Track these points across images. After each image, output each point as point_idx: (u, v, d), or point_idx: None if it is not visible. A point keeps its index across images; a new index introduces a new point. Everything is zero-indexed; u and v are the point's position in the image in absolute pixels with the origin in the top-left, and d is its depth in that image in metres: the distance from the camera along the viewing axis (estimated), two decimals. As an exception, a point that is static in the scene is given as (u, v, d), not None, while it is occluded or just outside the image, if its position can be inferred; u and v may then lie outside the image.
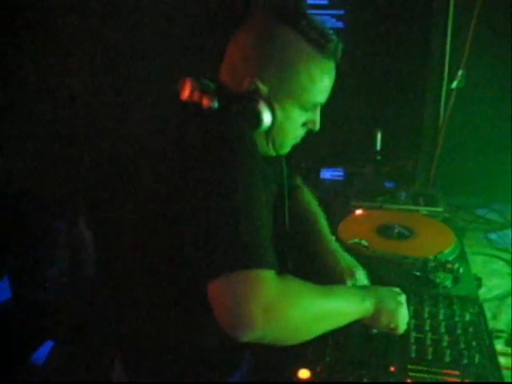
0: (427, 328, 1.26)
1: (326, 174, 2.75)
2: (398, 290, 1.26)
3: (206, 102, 1.09)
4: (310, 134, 1.27)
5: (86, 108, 2.67)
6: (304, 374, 1.10)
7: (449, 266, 1.47)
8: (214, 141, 1.00)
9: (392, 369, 1.13)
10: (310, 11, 2.61)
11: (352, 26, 2.58)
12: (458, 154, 2.31)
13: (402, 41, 2.41)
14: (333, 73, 1.19)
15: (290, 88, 1.13)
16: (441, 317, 1.31)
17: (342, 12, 2.60)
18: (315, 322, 1.04)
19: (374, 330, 1.21)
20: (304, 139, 1.27)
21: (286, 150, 1.26)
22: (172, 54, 2.51)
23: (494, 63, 2.10)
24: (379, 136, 2.31)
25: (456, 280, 1.46)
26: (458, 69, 2.07)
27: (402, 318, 1.20)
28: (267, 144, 1.20)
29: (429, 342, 1.21)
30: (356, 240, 1.58)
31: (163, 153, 1.09)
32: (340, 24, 2.60)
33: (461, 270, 1.47)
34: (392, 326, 1.19)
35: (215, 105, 1.10)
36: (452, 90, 2.10)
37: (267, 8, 1.16)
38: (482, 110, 2.21)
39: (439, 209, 2.00)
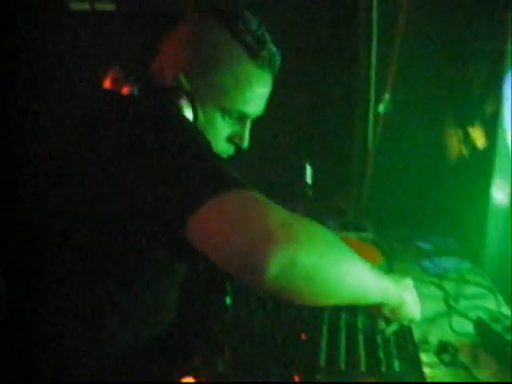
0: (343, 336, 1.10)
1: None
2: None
3: (125, 90, 1.02)
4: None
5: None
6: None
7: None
8: (147, 120, 0.91)
9: (296, 378, 0.94)
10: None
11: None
12: (388, 184, 2.22)
13: (328, 71, 2.36)
14: (265, 84, 1.11)
15: (213, 89, 1.06)
16: (359, 326, 1.14)
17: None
18: (335, 272, 0.83)
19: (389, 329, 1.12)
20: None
21: None
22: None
23: (420, 88, 2.06)
24: (309, 169, 2.21)
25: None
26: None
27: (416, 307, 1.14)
28: None
29: (343, 350, 1.04)
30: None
31: (90, 142, 0.94)
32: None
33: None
34: (410, 317, 1.11)
35: (135, 93, 1.02)
36: (379, 115, 2.02)
37: (206, 7, 1.12)
38: (410, 137, 2.14)
39: (368, 234, 1.87)
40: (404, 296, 1.06)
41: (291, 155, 2.40)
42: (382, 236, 2.00)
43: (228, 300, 1.23)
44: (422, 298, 1.58)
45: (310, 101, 2.32)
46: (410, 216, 2.19)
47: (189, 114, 1.04)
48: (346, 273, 0.85)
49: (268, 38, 1.09)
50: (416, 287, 1.51)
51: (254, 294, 1.26)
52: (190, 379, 0.90)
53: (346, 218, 2.14)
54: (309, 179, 2.18)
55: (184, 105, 1.03)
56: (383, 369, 0.97)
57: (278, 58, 1.11)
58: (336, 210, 2.33)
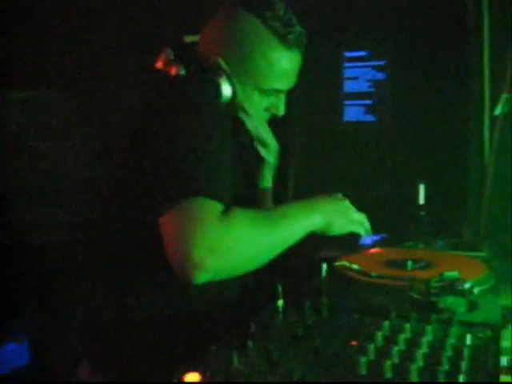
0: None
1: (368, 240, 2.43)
2: (339, 196, 1.28)
3: (173, 70, 1.18)
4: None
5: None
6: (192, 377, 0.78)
7: (458, 285, 1.10)
8: (176, 93, 1.11)
9: None
10: (350, 63, 2.48)
11: (393, 76, 2.42)
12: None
13: (441, 87, 2.19)
14: (294, 62, 1.25)
15: (249, 71, 1.21)
16: (427, 336, 0.93)
17: (382, 63, 2.45)
18: (266, 250, 1.07)
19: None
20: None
21: None
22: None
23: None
24: (423, 189, 2.00)
25: (471, 306, 1.07)
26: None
27: (357, 220, 1.27)
28: None
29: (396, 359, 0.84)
30: (344, 262, 1.25)
31: (134, 114, 1.20)
32: (381, 75, 2.44)
33: (475, 292, 1.09)
34: (349, 230, 1.24)
35: (182, 73, 1.18)
36: (496, 117, 1.77)
37: None
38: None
39: (480, 253, 1.59)
40: (330, 220, 1.19)
41: (404, 172, 2.22)
42: (502, 259, 1.71)
43: (280, 303, 1.09)
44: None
45: (421, 111, 2.15)
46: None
47: (228, 90, 1.18)
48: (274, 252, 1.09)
49: (294, 20, 1.21)
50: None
51: (310, 298, 1.10)
52: (195, 375, 0.77)
53: (460, 239, 1.88)
54: (422, 200, 1.98)
55: (223, 83, 1.17)
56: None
57: (304, 38, 1.24)
58: (452, 231, 2.07)
